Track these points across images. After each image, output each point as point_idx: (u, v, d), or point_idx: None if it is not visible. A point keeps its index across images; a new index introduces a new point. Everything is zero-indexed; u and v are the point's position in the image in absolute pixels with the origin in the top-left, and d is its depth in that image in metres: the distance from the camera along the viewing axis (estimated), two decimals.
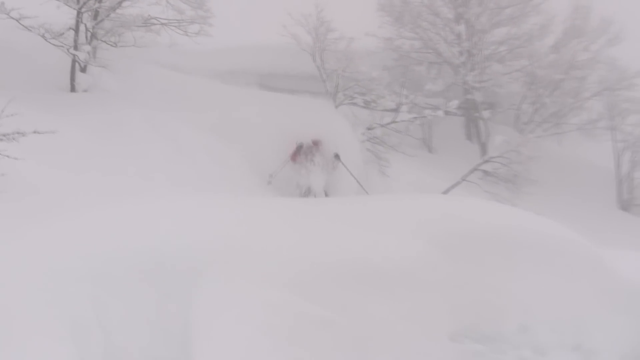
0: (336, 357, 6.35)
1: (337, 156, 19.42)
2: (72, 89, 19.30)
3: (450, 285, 7.41)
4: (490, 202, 8.99)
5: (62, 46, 18.90)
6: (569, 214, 22.42)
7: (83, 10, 18.78)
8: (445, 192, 22.32)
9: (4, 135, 11.70)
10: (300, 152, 19.11)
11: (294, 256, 6.84)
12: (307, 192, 18.61)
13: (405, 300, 7.05)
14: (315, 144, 19.29)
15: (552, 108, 34.09)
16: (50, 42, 18.73)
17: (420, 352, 6.90)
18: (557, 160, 34.27)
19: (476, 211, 8.67)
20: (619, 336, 9.32)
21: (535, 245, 8.54)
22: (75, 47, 19.01)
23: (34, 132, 11.73)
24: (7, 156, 11.58)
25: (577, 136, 36.79)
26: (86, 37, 19.48)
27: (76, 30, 19.09)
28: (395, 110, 25.00)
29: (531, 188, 24.58)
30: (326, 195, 18.39)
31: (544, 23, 34.00)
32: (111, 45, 20.07)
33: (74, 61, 19.20)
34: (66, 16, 19.21)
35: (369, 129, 24.07)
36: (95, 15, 19.28)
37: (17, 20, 17.81)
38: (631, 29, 35.40)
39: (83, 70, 19.56)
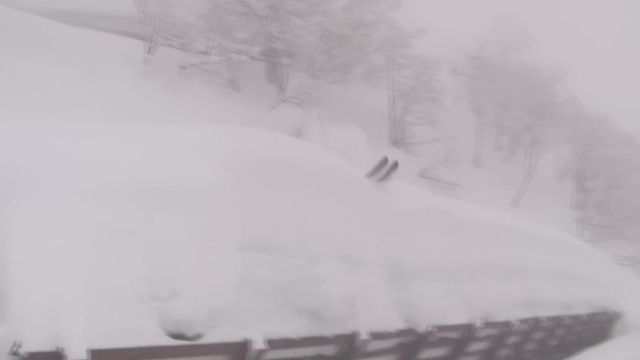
0: (141, 261, 6.36)
1: None
2: None
3: (240, 204, 7.51)
4: (281, 135, 9.12)
5: None
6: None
7: None
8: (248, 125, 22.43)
9: None
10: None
11: (106, 175, 6.74)
12: None
13: (202, 216, 7.10)
14: None
15: (341, 59, 34.64)
16: None
17: (213, 259, 7.00)
18: (343, 103, 35.05)
19: (267, 141, 8.76)
20: (379, 249, 9.78)
21: (314, 172, 8.74)
22: None
23: None
24: None
25: (360, 84, 37.72)
26: None
27: None
28: (206, 52, 24.95)
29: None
30: None
31: None
32: None
33: None
34: None
35: (181, 67, 23.88)
36: None
37: None
38: None
39: None
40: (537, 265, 15.11)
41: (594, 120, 48.45)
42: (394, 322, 9.86)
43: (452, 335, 11.69)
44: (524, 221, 17.27)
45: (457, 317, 11.45)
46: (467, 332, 11.92)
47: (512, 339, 14.65)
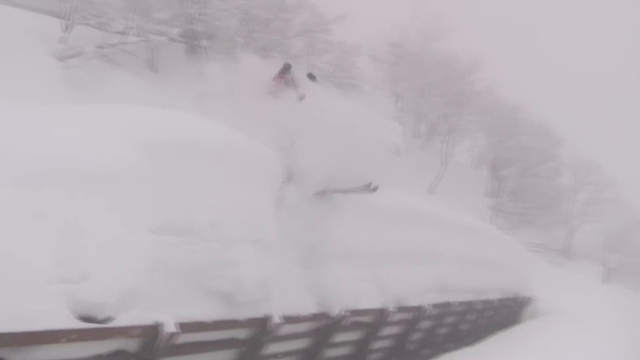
0: (50, 242, 6.26)
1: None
2: None
3: (154, 187, 7.40)
4: (195, 116, 8.96)
5: None
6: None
7: None
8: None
9: None
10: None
11: (16, 154, 6.58)
12: None
13: (114, 198, 7.00)
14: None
15: (262, 42, 34.42)
16: None
17: (125, 240, 6.93)
18: None
19: (182, 123, 8.60)
20: (293, 234, 9.86)
21: (229, 155, 8.67)
22: None
23: None
24: None
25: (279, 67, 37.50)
26: None
27: None
28: (125, 33, 24.52)
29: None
30: None
31: None
32: None
33: None
34: None
35: (99, 47, 23.40)
36: None
37: None
38: None
39: None
40: (450, 251, 15.37)
41: (510, 110, 49.36)
42: (307, 306, 9.94)
43: (365, 319, 11.83)
44: (439, 208, 17.52)
45: (370, 301, 11.59)
46: (380, 317, 12.07)
47: (425, 323, 14.90)
